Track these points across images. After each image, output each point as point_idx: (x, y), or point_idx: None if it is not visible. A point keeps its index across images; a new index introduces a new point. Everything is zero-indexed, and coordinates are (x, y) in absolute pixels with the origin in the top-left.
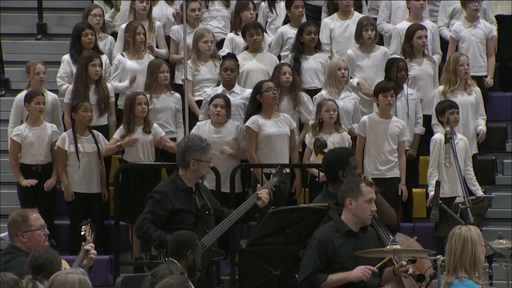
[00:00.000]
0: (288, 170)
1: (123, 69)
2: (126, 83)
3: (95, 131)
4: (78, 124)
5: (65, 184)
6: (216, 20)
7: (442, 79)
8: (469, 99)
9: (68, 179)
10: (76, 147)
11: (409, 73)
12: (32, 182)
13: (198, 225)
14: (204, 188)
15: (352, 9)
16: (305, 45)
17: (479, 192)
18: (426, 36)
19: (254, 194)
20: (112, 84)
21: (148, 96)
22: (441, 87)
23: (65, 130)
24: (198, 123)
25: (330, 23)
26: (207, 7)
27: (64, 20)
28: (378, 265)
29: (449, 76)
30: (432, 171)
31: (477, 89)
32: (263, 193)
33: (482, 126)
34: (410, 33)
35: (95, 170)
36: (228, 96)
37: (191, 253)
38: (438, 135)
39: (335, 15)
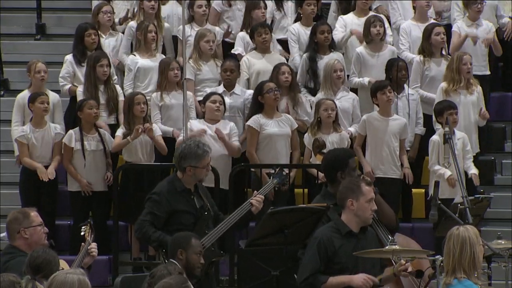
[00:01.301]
0: (287, 171)
1: (136, 69)
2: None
3: (101, 130)
4: (84, 122)
5: (76, 177)
6: (239, 19)
7: (445, 77)
8: (471, 99)
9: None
10: (82, 145)
11: (426, 73)
12: (51, 175)
13: (197, 226)
14: (203, 189)
15: (368, 8)
16: (319, 44)
17: (470, 170)
18: (444, 33)
19: (248, 200)
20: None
21: (159, 93)
22: (444, 85)
23: (68, 130)
24: (191, 120)
25: (346, 19)
26: (229, 6)
27: (63, 20)
28: (380, 277)
29: (452, 74)
30: (434, 167)
31: (479, 88)
32: (257, 200)
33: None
34: (428, 32)
35: (100, 168)
36: (228, 97)
37: (182, 252)
38: (436, 137)
39: (351, 13)
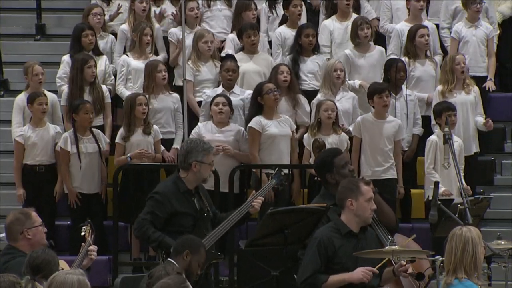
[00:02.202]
0: (285, 171)
1: (128, 69)
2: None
3: (95, 130)
4: (79, 125)
5: (69, 188)
6: (218, 20)
7: (440, 79)
8: (468, 98)
9: (71, 180)
10: (78, 147)
11: (412, 73)
12: (22, 194)
13: (197, 228)
14: (203, 190)
15: (350, 10)
16: (303, 47)
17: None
18: (428, 35)
19: (247, 201)
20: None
21: (146, 97)
22: (440, 87)
23: (65, 131)
24: (199, 124)
25: (330, 24)
26: (209, 6)
27: (63, 20)
28: (378, 265)
29: (446, 76)
30: (430, 171)
31: (476, 89)
32: (258, 201)
33: (482, 118)
34: (412, 33)
35: (96, 170)
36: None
37: (187, 254)
38: (434, 137)
39: (334, 17)
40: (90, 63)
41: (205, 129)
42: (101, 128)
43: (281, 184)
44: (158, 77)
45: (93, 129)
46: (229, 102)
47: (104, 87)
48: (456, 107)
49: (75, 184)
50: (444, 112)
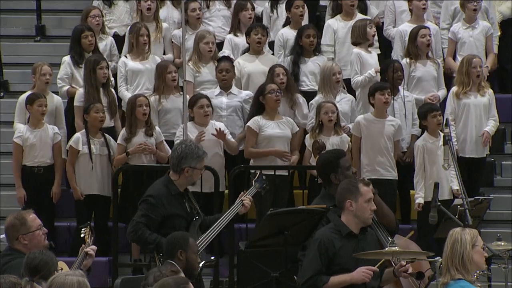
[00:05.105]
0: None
1: (126, 71)
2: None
3: (107, 135)
4: (90, 125)
5: (73, 186)
6: (218, 20)
7: (456, 80)
8: (482, 100)
9: (79, 180)
10: (90, 148)
11: (413, 74)
12: (22, 196)
13: (190, 230)
14: (190, 193)
15: (355, 10)
16: (304, 48)
17: (454, 186)
18: (430, 35)
19: (238, 201)
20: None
21: (157, 97)
22: (455, 88)
23: (68, 133)
24: (181, 124)
25: (334, 24)
26: (208, 7)
27: (63, 22)
28: (378, 264)
29: (461, 77)
30: (419, 178)
31: (490, 91)
32: (247, 200)
33: (488, 128)
34: (413, 34)
35: (105, 173)
36: (226, 97)
37: (182, 253)
38: (420, 141)
39: (338, 16)
40: (102, 64)
41: (188, 130)
42: (112, 129)
43: (263, 188)
44: (168, 78)
45: (105, 134)
46: (210, 102)
47: (112, 90)
48: (439, 108)
49: (85, 185)
50: (428, 113)
